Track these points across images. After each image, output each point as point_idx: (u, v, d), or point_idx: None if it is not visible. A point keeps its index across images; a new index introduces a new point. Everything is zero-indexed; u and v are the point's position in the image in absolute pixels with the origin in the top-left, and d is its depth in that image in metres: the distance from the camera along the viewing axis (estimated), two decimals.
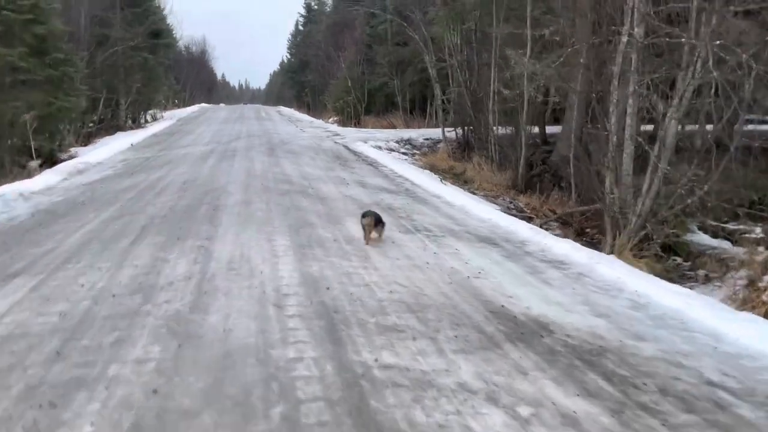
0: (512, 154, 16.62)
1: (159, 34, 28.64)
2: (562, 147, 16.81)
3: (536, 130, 19.22)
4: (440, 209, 9.79)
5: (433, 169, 17.29)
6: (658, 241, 10.68)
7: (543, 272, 6.32)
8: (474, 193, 13.98)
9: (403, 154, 20.47)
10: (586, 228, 13.06)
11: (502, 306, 5.04)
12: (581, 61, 13.20)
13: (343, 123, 31.95)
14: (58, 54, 18.85)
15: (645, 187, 10.49)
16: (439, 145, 21.73)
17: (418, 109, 30.15)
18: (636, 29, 10.57)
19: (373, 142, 20.78)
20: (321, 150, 17.70)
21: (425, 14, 25.54)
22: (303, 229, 7.48)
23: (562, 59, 13.51)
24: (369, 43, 32.51)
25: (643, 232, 10.40)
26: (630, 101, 10.67)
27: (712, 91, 10.21)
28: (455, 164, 18.58)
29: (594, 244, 11.85)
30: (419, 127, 27.54)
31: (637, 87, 10.70)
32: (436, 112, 27.98)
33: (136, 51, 27.19)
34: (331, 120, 35.22)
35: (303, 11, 50.65)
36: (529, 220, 12.49)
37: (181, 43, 51.18)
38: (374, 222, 6.94)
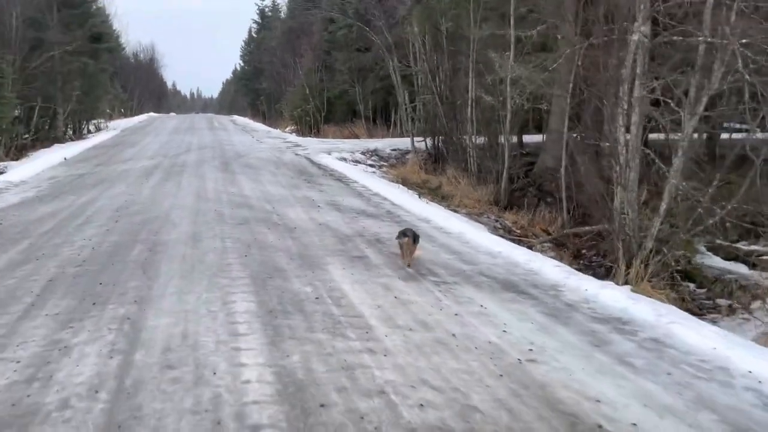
0: (492, 166, 14.88)
1: (100, 37, 25.91)
2: (546, 158, 15.19)
3: (513, 139, 17.58)
4: (436, 239, 7.88)
5: (405, 182, 15.42)
6: (677, 267, 9.10)
7: (610, 342, 4.46)
8: (456, 211, 12.14)
9: (370, 166, 18.54)
10: (582, 249, 11.41)
11: (600, 427, 3.14)
12: (578, 63, 11.56)
13: (301, 132, 29.78)
14: None
15: (663, 206, 8.90)
16: (407, 156, 19.89)
17: (381, 118, 28.27)
18: (642, 27, 9.00)
19: (337, 154, 18.77)
20: (282, 164, 15.58)
21: (389, 18, 23.72)
22: (271, 280, 5.43)
23: (556, 63, 11.87)
24: (327, 49, 30.46)
25: (657, 257, 8.79)
26: (636, 108, 9.07)
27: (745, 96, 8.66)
28: (428, 177, 16.76)
29: (593, 267, 10.21)
30: (383, 137, 25.65)
31: (645, 92, 9.11)
32: (400, 120, 26.17)
33: (74, 56, 24.41)
34: (288, 129, 32.98)
35: (257, 17, 48.29)
36: (519, 241, 10.77)
37: (128, 50, 48.06)
38: (413, 241, 6.29)
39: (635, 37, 8.98)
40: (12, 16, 21.68)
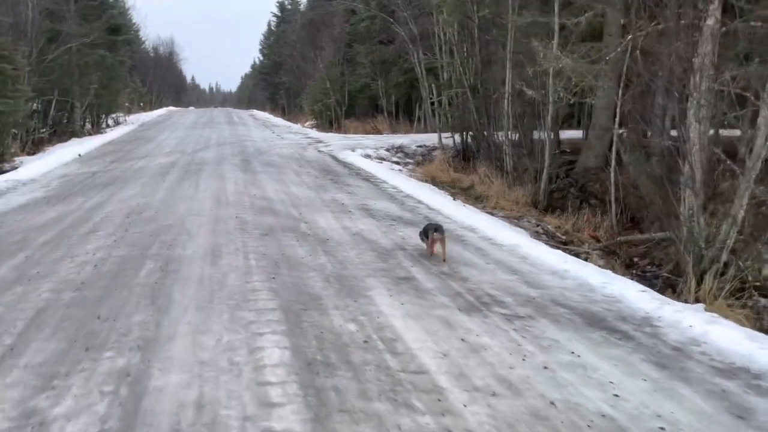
0: (530, 164, 13.69)
1: (118, 29, 25.00)
2: (588, 156, 13.98)
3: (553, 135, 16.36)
4: (487, 253, 6.76)
5: (435, 181, 14.34)
6: (756, 283, 7.93)
7: (753, 409, 3.35)
8: (493, 214, 11.02)
9: (396, 163, 17.45)
10: (633, 257, 10.25)
11: None
12: (636, 52, 10.33)
13: (321, 127, 28.72)
14: None
15: (741, 212, 7.74)
16: (434, 153, 18.75)
17: (404, 113, 27.11)
18: (717, 12, 7.83)
19: (361, 151, 17.69)
20: (305, 161, 14.53)
21: (414, 8, 22.54)
22: (306, 313, 4.37)
23: (612, 52, 10.68)
24: (349, 41, 29.31)
25: (731, 271, 7.65)
26: (702, 101, 7.91)
27: None
28: (459, 176, 15.63)
29: (647, 278, 9.04)
30: (407, 132, 24.52)
31: (715, 84, 7.95)
32: (425, 115, 25.01)
33: (92, 48, 23.56)
34: (308, 124, 31.95)
35: (276, 10, 47.21)
36: (564, 244, 9.64)
37: (147, 44, 47.32)
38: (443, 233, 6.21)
39: (710, 21, 7.79)
40: (28, 7, 20.86)
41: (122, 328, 4.00)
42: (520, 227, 10.04)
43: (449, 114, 19.08)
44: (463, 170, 16.62)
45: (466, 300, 4.93)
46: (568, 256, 7.01)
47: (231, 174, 11.52)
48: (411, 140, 20.22)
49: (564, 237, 10.84)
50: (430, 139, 20.15)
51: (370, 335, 4.02)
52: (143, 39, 45.61)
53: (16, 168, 15.02)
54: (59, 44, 22.11)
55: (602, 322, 4.69)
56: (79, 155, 15.75)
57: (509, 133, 14.16)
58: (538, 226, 11.22)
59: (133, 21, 41.90)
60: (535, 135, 14.77)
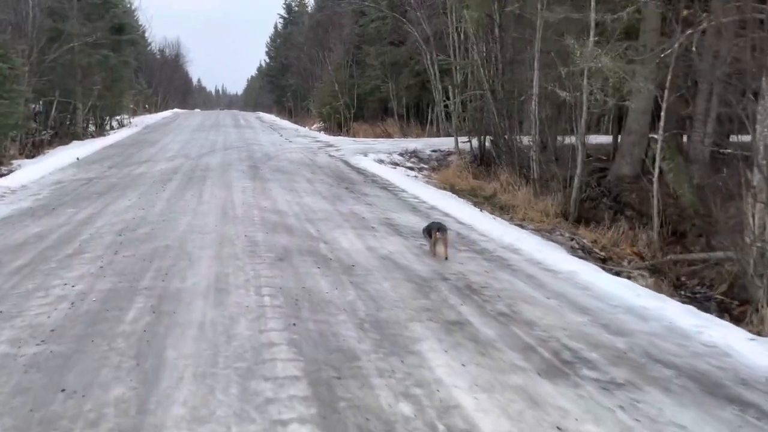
0: (558, 171, 12.52)
1: (122, 29, 23.86)
2: (622, 164, 12.80)
3: (572, 139, 15.19)
4: (543, 283, 5.60)
5: (454, 189, 13.21)
6: None
7: None
8: (522, 226, 9.87)
9: (410, 168, 16.31)
10: (681, 275, 9.09)
11: None
12: (692, 49, 9.15)
13: (330, 130, 27.56)
14: None
15: None
16: (450, 158, 17.62)
17: (415, 116, 25.95)
18: None
19: (374, 155, 16.55)
20: (317, 167, 13.38)
21: (428, 7, 21.39)
22: (341, 384, 3.21)
23: (662, 52, 9.53)
24: (358, 43, 28.16)
25: None
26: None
27: None
28: (479, 183, 14.49)
29: (698, 299, 7.89)
30: (418, 136, 23.37)
31: None
32: (437, 118, 23.86)
33: (95, 48, 22.45)
34: (315, 127, 30.81)
35: (283, 12, 46.03)
36: (603, 262, 8.51)
37: (154, 45, 46.25)
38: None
39: None
40: (28, 5, 19.75)
41: (92, 413, 2.85)
42: (553, 241, 8.89)
43: (467, 117, 17.93)
44: (482, 177, 15.50)
45: (542, 357, 3.77)
46: (640, 287, 5.83)
47: (238, 182, 10.37)
48: (425, 144, 19.06)
49: (602, 253, 9.65)
50: (445, 143, 19.02)
51: (434, 423, 2.86)
52: (149, 41, 44.55)
53: (13, 172, 13.99)
54: (61, 44, 21.03)
55: (722, 389, 3.53)
56: (78, 159, 14.64)
57: (537, 137, 12.98)
58: (572, 240, 10.02)
59: (140, 22, 40.88)
60: (559, 140, 13.65)
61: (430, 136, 23.07)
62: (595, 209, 12.42)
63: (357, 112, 27.83)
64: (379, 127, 25.43)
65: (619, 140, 15.17)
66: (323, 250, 6.09)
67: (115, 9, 23.56)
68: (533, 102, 12.96)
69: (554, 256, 6.69)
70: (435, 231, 6.11)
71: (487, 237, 7.53)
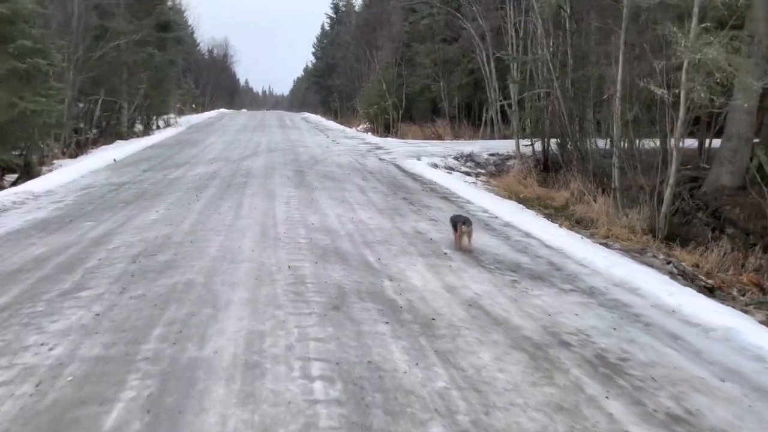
0: (645, 181, 10.62)
1: (168, 26, 22.88)
2: (721, 173, 10.78)
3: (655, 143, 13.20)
4: (699, 349, 3.88)
5: (519, 198, 11.52)
6: None
7: None
8: (607, 245, 8.10)
9: (466, 173, 14.63)
10: None
11: None
12: None
13: (377, 131, 26.06)
14: (25, 41, 13.28)
15: None
16: (509, 163, 15.85)
17: (466, 116, 24.16)
18: None
19: (427, 159, 14.93)
20: (368, 172, 11.84)
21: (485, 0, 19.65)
22: None
23: None
24: (408, 41, 26.54)
25: None
26: None
27: None
28: (546, 192, 12.73)
29: None
30: (471, 138, 21.60)
31: None
32: (491, 120, 22.06)
33: (140, 46, 21.54)
34: (361, 128, 29.37)
35: (330, 12, 44.81)
36: (710, 291, 6.71)
37: (202, 46, 45.72)
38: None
39: None
40: (74, 2, 18.87)
41: None
42: (646, 264, 7.12)
43: (530, 118, 16.12)
44: (547, 184, 13.73)
45: None
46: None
47: (282, 190, 8.91)
48: (481, 147, 17.29)
49: (710, 281, 7.75)
50: (502, 146, 17.22)
51: None
52: (198, 41, 44.03)
53: (51, 172, 13.08)
54: (107, 41, 20.15)
55: None
56: (114, 160, 13.52)
57: (620, 141, 11.12)
58: (668, 263, 8.14)
59: (189, 23, 40.29)
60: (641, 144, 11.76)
61: (483, 138, 21.29)
62: (688, 225, 10.50)
63: (405, 112, 26.25)
64: (428, 128, 23.77)
65: (706, 145, 13.17)
66: (389, 291, 4.51)
67: (161, 6, 22.59)
68: (616, 101, 11.10)
69: (689, 300, 4.94)
70: (461, 224, 6.07)
71: (588, 268, 5.83)
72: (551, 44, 14.47)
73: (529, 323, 4.08)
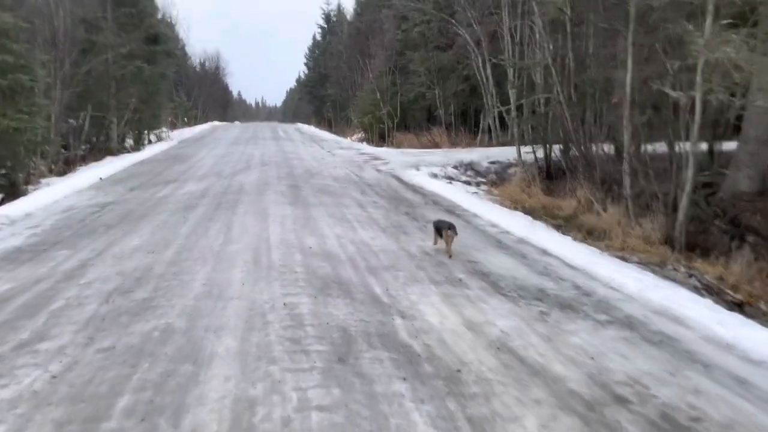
0: (657, 188, 9.97)
1: (157, 39, 22.17)
2: (740, 178, 10.15)
3: (664, 147, 12.56)
4: None
5: (525, 209, 10.89)
6: None
7: None
8: (624, 258, 7.46)
9: (467, 183, 13.99)
10: None
11: None
12: None
13: (371, 141, 25.39)
14: (7, 56, 12.61)
15: None
16: (510, 171, 15.21)
17: (463, 124, 23.53)
18: None
19: (426, 169, 14.29)
20: (366, 185, 11.16)
21: (480, 6, 19.07)
22: None
23: None
24: (401, 49, 25.91)
25: None
26: None
27: None
28: (551, 201, 12.07)
29: None
30: (468, 146, 20.95)
31: None
32: (490, 127, 21.43)
33: (129, 59, 20.80)
34: (355, 138, 28.70)
35: (322, 22, 44.17)
36: (739, 307, 6.07)
37: (194, 59, 45.03)
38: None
39: None
40: (59, 15, 18.15)
41: None
42: (668, 278, 6.48)
43: (530, 124, 15.49)
44: (551, 192, 13.08)
45: None
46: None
47: (276, 208, 8.21)
48: (480, 156, 16.65)
49: (737, 295, 7.06)
50: (502, 153, 16.59)
51: None
52: (189, 55, 43.33)
53: (37, 190, 12.39)
54: (94, 55, 19.43)
55: None
56: (100, 179, 12.79)
57: (630, 146, 10.47)
58: (690, 276, 7.48)
59: (180, 36, 39.59)
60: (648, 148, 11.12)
61: (481, 145, 20.66)
62: (706, 234, 9.81)
63: (400, 121, 25.62)
64: (424, 136, 23.11)
65: (717, 147, 12.55)
66: (403, 334, 3.81)
67: (150, 18, 21.89)
68: (625, 105, 10.46)
69: (745, 333, 4.27)
70: (446, 230, 6.13)
71: (620, 292, 5.15)
72: (551, 47, 13.86)
73: (573, 371, 3.38)
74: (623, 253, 8.14)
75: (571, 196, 11.96)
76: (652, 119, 10.57)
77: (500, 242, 7.03)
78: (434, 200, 9.95)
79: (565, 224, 9.97)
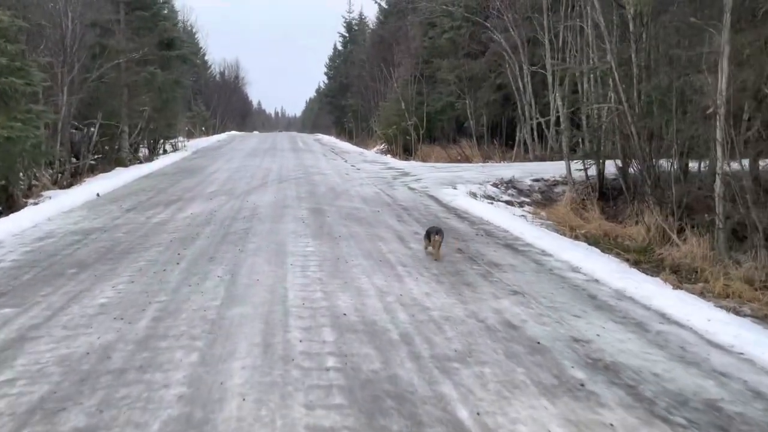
0: (758, 215, 7.90)
1: (171, 44, 20.57)
2: None
3: (738, 165, 10.48)
4: None
5: (586, 237, 8.97)
6: None
7: None
8: (736, 310, 5.50)
9: (508, 203, 12.07)
10: None
11: None
12: None
13: (395, 153, 23.54)
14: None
15: None
16: (556, 190, 13.24)
17: (495, 136, 21.55)
18: None
19: (463, 187, 12.37)
20: (402, 208, 9.25)
21: (518, 9, 17.16)
22: None
23: None
24: (428, 57, 24.06)
25: None
26: None
27: None
28: (614, 228, 10.10)
29: None
30: (501, 160, 19.00)
31: None
32: (524, 140, 19.45)
33: (141, 65, 19.22)
34: (377, 149, 26.87)
35: (343, 31, 42.56)
36: None
37: (214, 68, 43.70)
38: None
39: None
40: (68, 18, 16.54)
41: None
42: None
43: (582, 137, 13.53)
44: (608, 215, 11.13)
45: None
46: None
47: (296, 243, 6.33)
48: (521, 172, 14.67)
49: None
50: (545, 169, 14.64)
51: None
52: (210, 63, 41.96)
53: (38, 204, 10.85)
54: (105, 60, 17.82)
55: None
56: (98, 195, 11.10)
57: (726, 166, 8.44)
58: None
59: (200, 45, 38.21)
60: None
61: (517, 160, 18.69)
62: None
63: (426, 132, 23.72)
64: (453, 149, 21.20)
65: None
66: None
67: (164, 22, 20.31)
68: (718, 117, 8.44)
69: None
70: (434, 234, 6.12)
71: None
72: (614, 50, 11.89)
73: None
74: (728, 301, 6.19)
75: (636, 221, 9.99)
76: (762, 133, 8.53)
77: (595, 299, 5.08)
78: (486, 230, 8.02)
79: (643, 260, 8.00)
